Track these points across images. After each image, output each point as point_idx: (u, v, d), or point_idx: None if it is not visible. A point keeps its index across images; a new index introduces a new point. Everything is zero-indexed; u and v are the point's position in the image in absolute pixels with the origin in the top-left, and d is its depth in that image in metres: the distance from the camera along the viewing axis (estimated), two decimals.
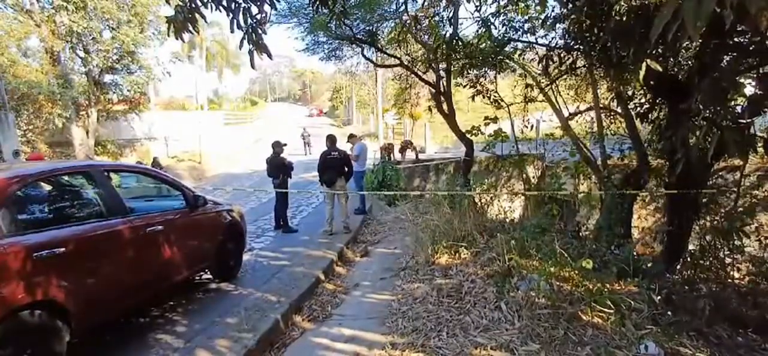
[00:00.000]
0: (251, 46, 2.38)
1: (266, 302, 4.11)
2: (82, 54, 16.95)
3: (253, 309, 3.91)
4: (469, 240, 5.17)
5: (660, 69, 3.29)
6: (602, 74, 6.96)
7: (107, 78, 18.54)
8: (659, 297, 3.74)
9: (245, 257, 5.79)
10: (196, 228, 4.26)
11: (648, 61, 3.27)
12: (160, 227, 3.65)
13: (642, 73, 3.28)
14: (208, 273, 4.80)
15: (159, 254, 3.67)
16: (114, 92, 19.10)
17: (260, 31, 2.39)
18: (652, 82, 5.91)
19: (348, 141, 8.89)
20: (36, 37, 16.26)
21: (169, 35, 2.23)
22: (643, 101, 6.59)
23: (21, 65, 14.38)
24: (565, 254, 4.14)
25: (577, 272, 3.88)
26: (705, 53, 4.00)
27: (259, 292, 4.39)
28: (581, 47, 4.77)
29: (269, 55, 2.47)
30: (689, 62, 6.31)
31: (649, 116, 6.54)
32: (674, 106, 5.69)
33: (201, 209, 4.29)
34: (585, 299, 3.41)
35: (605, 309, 3.28)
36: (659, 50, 3.75)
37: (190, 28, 2.35)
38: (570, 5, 4.44)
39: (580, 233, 7.62)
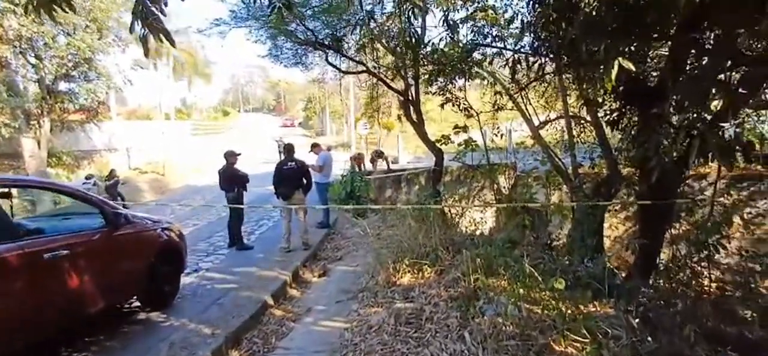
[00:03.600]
0: (144, 29, 1.90)
1: (198, 335, 3.58)
2: (33, 60, 15.91)
3: (180, 345, 3.37)
4: (433, 257, 4.75)
5: (633, 69, 2.97)
6: (571, 78, 6.75)
7: (63, 86, 17.49)
8: (637, 319, 3.41)
9: (190, 279, 5.24)
10: (117, 251, 3.67)
11: (620, 59, 2.95)
12: (64, 251, 3.07)
13: (614, 72, 2.95)
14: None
15: (62, 284, 3.08)
16: (70, 101, 18.02)
17: (156, 10, 1.91)
18: (621, 88, 5.71)
19: (311, 150, 8.40)
20: None
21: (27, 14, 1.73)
22: (613, 107, 6.38)
23: None
24: (535, 274, 3.77)
25: (548, 293, 3.51)
26: (678, 53, 3.75)
27: (194, 323, 3.85)
28: (548, 45, 4.46)
29: (171, 42, 2.01)
30: (659, 67, 6.16)
31: (620, 123, 6.34)
32: (645, 112, 5.49)
33: (125, 228, 3.72)
34: (557, 326, 3.02)
35: (579, 338, 2.91)
36: (632, 48, 3.46)
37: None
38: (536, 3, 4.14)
39: (552, 245, 7.35)
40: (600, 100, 6.34)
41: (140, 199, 18.36)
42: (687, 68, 3.85)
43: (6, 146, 16.61)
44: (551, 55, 4.88)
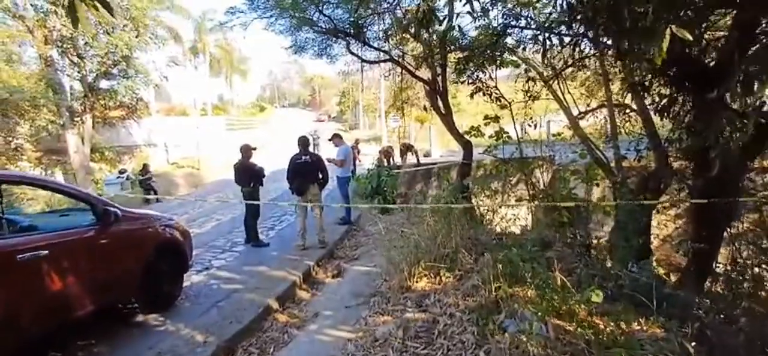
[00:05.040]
0: None
1: (189, 343, 3.30)
2: (75, 59, 16.51)
3: (166, 354, 3.10)
4: (453, 260, 4.29)
5: (690, 38, 2.40)
6: (614, 60, 6.04)
7: (104, 83, 18.09)
8: (693, 342, 2.83)
9: (199, 278, 5.04)
10: (107, 250, 3.43)
11: (673, 27, 2.39)
12: (43, 252, 2.86)
13: (665, 42, 2.39)
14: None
15: (40, 286, 2.87)
16: (110, 98, 18.63)
17: None
18: (674, 69, 5.04)
19: (330, 140, 8.04)
20: (28, 43, 15.94)
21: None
22: (662, 92, 5.66)
23: (4, 70, 13.93)
24: (567, 282, 3.24)
25: (584, 306, 2.99)
26: (746, 22, 3.11)
27: (189, 328, 3.58)
28: (583, 16, 3.86)
29: (108, 9, 1.66)
30: (717, 46, 5.39)
31: (670, 110, 5.64)
32: (701, 96, 4.80)
33: (118, 225, 3.49)
34: (592, 350, 2.52)
35: None
36: (689, 14, 2.86)
37: None
38: None
39: (591, 247, 6.69)
40: (646, 83, 5.63)
41: (175, 193, 18.80)
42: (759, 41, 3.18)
43: (52, 141, 17.40)
44: (589, 31, 4.28)
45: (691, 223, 6.33)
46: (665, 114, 5.54)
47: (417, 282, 4.11)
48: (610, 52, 5.94)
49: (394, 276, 4.34)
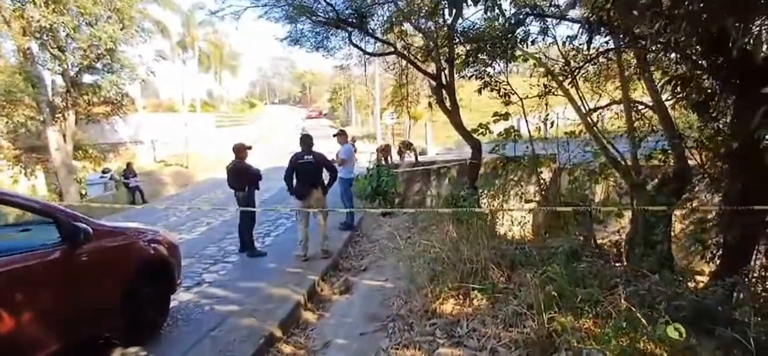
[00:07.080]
0: None
1: None
2: (56, 51, 15.66)
3: None
4: (483, 276, 3.76)
5: None
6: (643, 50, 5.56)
7: (87, 78, 17.27)
8: None
9: (188, 296, 4.44)
10: (78, 275, 2.81)
11: None
12: None
13: None
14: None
15: None
16: (94, 93, 17.80)
17: None
18: (718, 61, 4.60)
19: (335, 136, 7.45)
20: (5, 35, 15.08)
21: None
22: (702, 87, 5.18)
23: None
24: (636, 311, 2.71)
25: (660, 343, 2.46)
26: None
27: None
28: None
29: None
30: None
31: (708, 107, 5.19)
32: (751, 93, 4.35)
33: (89, 244, 2.87)
34: None
35: None
36: None
37: None
38: None
39: (622, 252, 6.22)
40: (687, 76, 5.16)
41: (163, 192, 18.06)
42: None
43: (32, 139, 16.65)
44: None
45: (722, 229, 5.89)
46: (704, 110, 5.09)
47: (442, 303, 3.57)
48: (646, 45, 5.47)
49: (414, 295, 3.79)
